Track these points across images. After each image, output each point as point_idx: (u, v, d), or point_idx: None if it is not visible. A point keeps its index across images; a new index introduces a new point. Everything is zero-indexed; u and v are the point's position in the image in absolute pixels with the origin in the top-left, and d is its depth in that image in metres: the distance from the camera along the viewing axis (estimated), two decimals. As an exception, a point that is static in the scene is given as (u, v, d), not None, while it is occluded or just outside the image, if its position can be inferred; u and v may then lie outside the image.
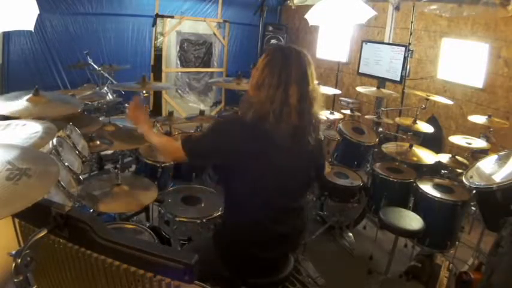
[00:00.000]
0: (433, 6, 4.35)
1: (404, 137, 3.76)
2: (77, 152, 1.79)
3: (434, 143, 3.81)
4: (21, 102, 1.70)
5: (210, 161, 1.51)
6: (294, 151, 1.51)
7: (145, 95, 2.91)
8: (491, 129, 3.23)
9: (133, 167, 3.21)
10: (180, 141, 1.55)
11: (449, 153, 3.17)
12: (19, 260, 0.74)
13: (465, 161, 3.01)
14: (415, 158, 3.01)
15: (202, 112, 3.18)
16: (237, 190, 1.54)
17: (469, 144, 3.05)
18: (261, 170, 1.47)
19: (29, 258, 0.75)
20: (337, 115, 3.85)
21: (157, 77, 5.85)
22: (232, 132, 1.49)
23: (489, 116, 3.21)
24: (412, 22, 4.25)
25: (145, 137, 1.74)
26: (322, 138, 3.21)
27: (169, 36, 5.87)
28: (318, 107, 1.52)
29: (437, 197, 2.61)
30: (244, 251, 1.55)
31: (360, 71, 5.04)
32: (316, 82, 1.52)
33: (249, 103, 1.48)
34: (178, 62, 6.12)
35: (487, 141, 3.15)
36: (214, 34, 6.31)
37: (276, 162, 1.48)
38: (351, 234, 3.20)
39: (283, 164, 1.49)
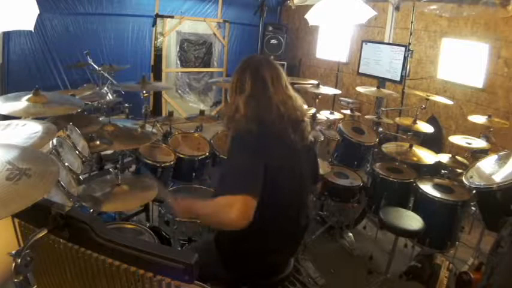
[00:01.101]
0: (433, 6, 4.35)
1: (404, 137, 3.76)
2: (77, 152, 1.78)
3: (434, 143, 3.81)
4: (21, 102, 1.69)
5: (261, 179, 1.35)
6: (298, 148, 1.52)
7: (145, 95, 2.91)
8: (491, 129, 3.23)
9: (133, 167, 3.21)
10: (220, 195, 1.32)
11: (449, 153, 3.17)
12: (19, 260, 0.74)
13: (465, 161, 3.02)
14: (415, 158, 3.01)
15: (202, 112, 3.19)
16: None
17: (469, 144, 3.05)
18: (282, 174, 1.45)
19: (28, 258, 0.75)
20: (337, 115, 3.86)
21: (157, 77, 5.85)
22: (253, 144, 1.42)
23: (489, 116, 3.21)
24: (412, 22, 4.25)
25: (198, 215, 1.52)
26: (322, 139, 3.22)
27: (169, 36, 5.87)
28: (290, 106, 1.51)
29: (437, 197, 2.61)
30: (258, 256, 1.52)
31: (360, 71, 5.04)
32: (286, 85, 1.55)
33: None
34: (178, 62, 6.12)
35: (487, 141, 3.14)
36: (214, 34, 6.31)
37: (291, 164, 1.49)
38: (351, 234, 3.19)
39: (295, 164, 1.51)
